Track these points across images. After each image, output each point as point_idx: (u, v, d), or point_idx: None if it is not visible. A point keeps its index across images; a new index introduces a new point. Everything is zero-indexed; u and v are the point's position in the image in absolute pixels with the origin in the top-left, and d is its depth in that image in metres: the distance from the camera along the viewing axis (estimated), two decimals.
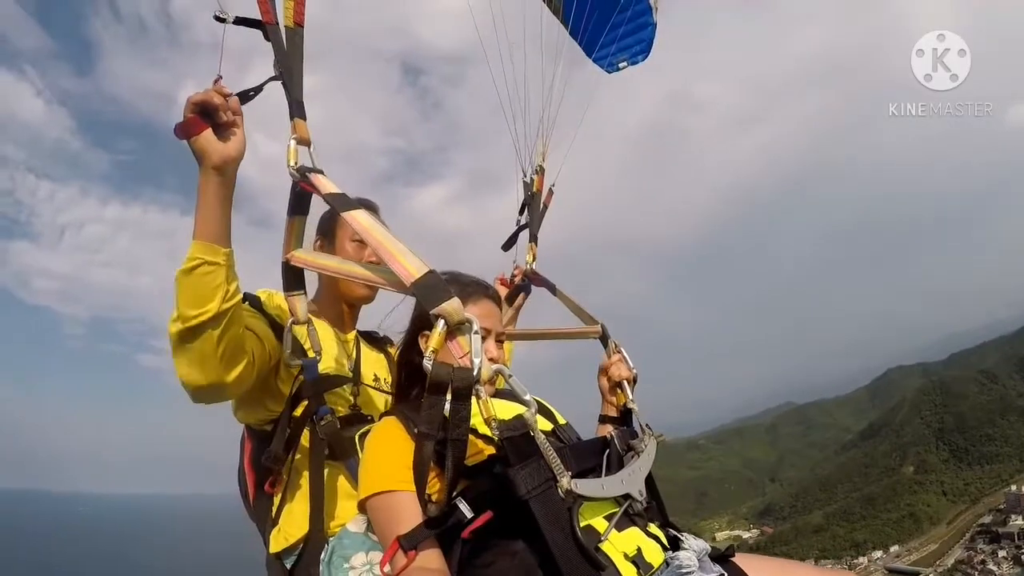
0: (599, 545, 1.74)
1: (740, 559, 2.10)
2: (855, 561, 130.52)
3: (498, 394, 2.19)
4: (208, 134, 1.91)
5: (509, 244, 3.63)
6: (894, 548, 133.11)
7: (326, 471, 2.44)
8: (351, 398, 2.63)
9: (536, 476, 1.69)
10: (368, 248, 2.77)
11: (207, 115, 1.92)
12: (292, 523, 2.45)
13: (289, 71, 2.04)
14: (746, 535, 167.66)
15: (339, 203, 1.88)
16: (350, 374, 2.69)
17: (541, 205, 3.73)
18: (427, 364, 1.57)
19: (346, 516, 2.29)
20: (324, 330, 2.70)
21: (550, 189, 3.79)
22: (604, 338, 3.02)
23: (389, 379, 2.84)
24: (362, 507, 1.93)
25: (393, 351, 2.99)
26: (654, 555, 1.86)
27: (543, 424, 2.04)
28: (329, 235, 2.90)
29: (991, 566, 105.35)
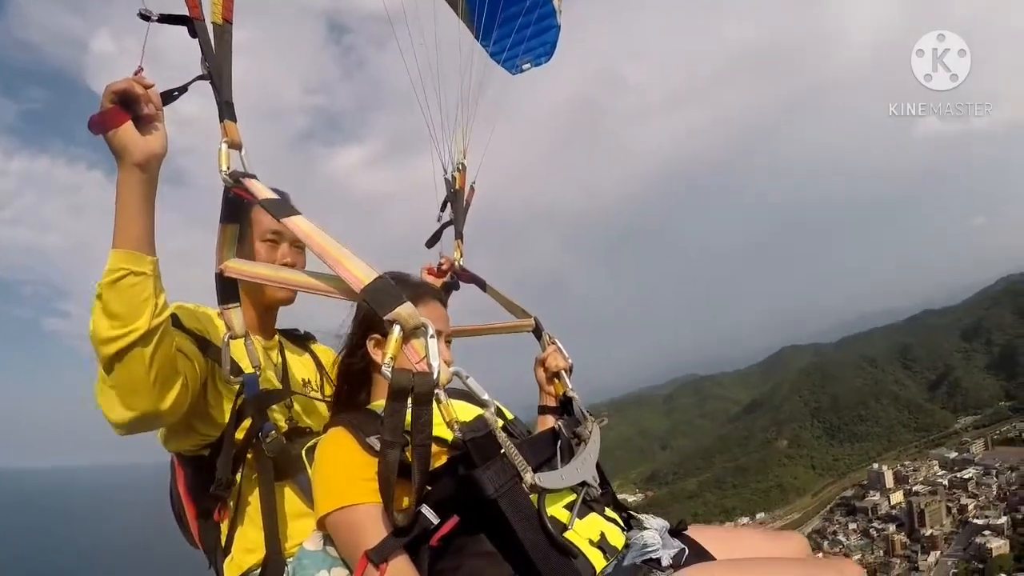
0: (565, 534, 1.78)
1: (692, 530, 2.16)
2: (722, 526, 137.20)
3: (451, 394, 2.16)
4: (129, 127, 1.76)
5: (433, 241, 3.59)
6: (760, 515, 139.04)
7: (276, 490, 2.34)
8: (286, 410, 2.52)
9: (501, 475, 1.67)
10: (280, 249, 2.62)
11: (127, 106, 1.77)
12: (246, 549, 2.34)
13: (218, 70, 1.94)
14: (632, 498, 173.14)
15: (277, 209, 1.80)
16: (280, 385, 2.57)
17: (464, 202, 3.72)
18: (386, 372, 1.54)
19: (301, 535, 2.19)
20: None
21: (471, 186, 3.79)
22: (538, 330, 3.09)
23: (316, 381, 2.80)
24: (321, 524, 1.87)
25: (317, 349, 2.98)
26: (616, 538, 1.93)
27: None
28: (240, 239, 2.57)
29: (840, 536, 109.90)
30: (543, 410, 2.84)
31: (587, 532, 1.86)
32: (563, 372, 2.80)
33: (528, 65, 4.42)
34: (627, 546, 1.93)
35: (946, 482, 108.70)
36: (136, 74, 1.80)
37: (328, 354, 2.88)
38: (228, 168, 1.87)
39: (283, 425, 2.42)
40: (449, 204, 3.66)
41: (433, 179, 3.65)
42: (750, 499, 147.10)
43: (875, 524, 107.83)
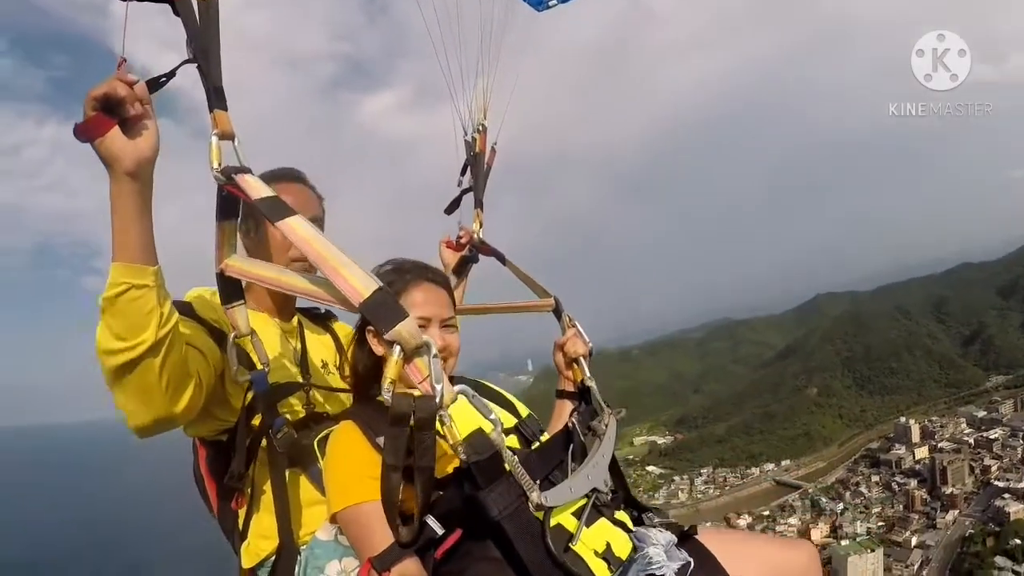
0: (571, 545, 1.77)
1: (703, 535, 2.17)
2: (748, 470, 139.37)
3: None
4: (116, 134, 1.66)
5: (452, 208, 3.45)
6: (785, 462, 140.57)
7: (288, 479, 2.37)
8: (304, 395, 2.54)
9: (507, 495, 1.65)
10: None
11: (112, 110, 1.65)
12: (261, 535, 2.39)
13: (204, 52, 1.75)
14: (660, 441, 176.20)
15: (271, 211, 1.67)
16: (298, 373, 2.57)
17: (485, 166, 3.50)
18: (386, 397, 1.50)
19: (314, 523, 2.26)
20: (264, 325, 2.53)
21: (493, 148, 3.56)
22: (558, 312, 2.98)
23: (334, 362, 2.74)
24: (333, 520, 1.90)
25: (337, 327, 2.99)
26: (622, 547, 1.93)
27: (510, 442, 2.01)
28: (255, 220, 2.62)
29: (862, 488, 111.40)
30: (561, 394, 2.78)
31: (593, 542, 1.85)
32: (582, 358, 2.74)
33: (555, 2, 4.14)
34: (632, 558, 1.92)
35: (972, 441, 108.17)
36: (119, 67, 1.68)
37: (348, 331, 2.83)
38: (220, 164, 1.75)
39: (300, 411, 2.46)
40: (469, 168, 3.48)
41: (454, 139, 3.47)
42: (777, 446, 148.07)
43: (897, 478, 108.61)
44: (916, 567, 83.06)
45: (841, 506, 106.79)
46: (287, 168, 2.70)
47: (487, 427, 1.64)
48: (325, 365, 2.71)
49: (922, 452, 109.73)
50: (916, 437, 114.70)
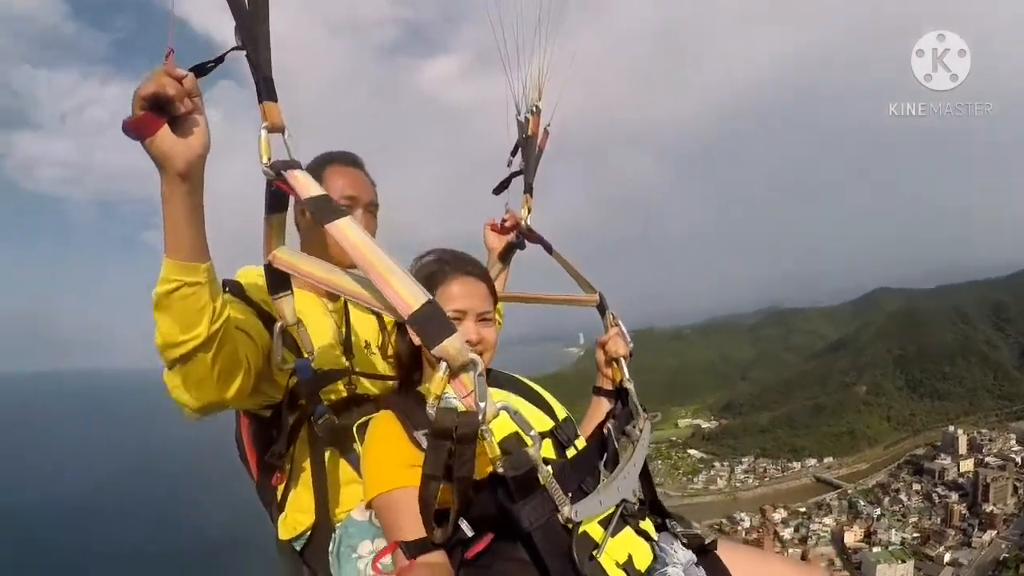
0: (595, 555, 1.81)
1: (721, 549, 2.23)
2: (789, 464, 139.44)
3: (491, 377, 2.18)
4: (166, 133, 1.60)
5: (500, 188, 3.40)
6: (828, 459, 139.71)
7: (327, 458, 2.42)
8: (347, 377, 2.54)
9: (539, 509, 1.70)
10: (353, 216, 2.25)
11: (161, 108, 1.58)
12: (299, 510, 2.45)
13: (253, 40, 1.66)
14: (705, 425, 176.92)
15: (321, 211, 1.62)
16: (342, 355, 2.55)
17: (537, 149, 3.38)
18: (430, 412, 1.51)
19: (351, 501, 2.33)
20: (310, 305, 2.55)
21: (546, 130, 3.43)
22: (602, 308, 2.93)
23: (378, 342, 2.75)
24: (368, 505, 1.95)
25: None
26: (643, 559, 1.97)
27: (546, 448, 1.97)
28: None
29: (902, 495, 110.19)
30: (598, 391, 2.75)
31: (616, 553, 1.88)
32: (622, 359, 2.71)
33: None
34: (650, 570, 1.96)
35: (1019, 459, 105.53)
36: (167, 58, 1.59)
37: None
38: (269, 159, 1.68)
39: (343, 392, 2.49)
40: (520, 150, 3.38)
41: (506, 119, 3.38)
42: (821, 441, 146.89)
43: (939, 489, 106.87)
44: None
45: (878, 511, 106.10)
46: (344, 151, 2.74)
47: (527, 442, 1.66)
48: (368, 346, 2.73)
49: (967, 465, 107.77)
50: (963, 449, 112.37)
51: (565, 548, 1.73)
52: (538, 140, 3.37)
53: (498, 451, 1.59)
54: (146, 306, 1.78)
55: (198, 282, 1.75)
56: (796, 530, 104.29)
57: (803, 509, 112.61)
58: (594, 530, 1.87)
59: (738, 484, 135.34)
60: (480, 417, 1.49)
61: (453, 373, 1.48)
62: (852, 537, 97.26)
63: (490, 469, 1.72)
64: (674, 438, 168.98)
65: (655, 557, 2.01)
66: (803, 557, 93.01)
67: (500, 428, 1.67)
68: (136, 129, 1.58)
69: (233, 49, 1.69)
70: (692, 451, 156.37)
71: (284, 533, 2.47)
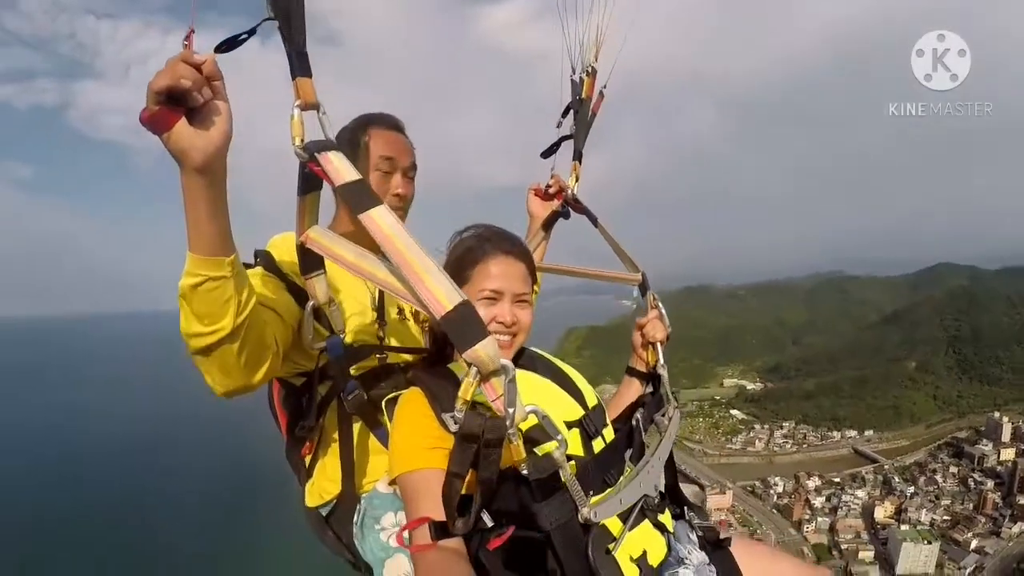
0: (611, 549, 1.79)
1: (735, 546, 2.22)
2: (829, 433, 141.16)
3: (523, 361, 2.15)
4: (183, 127, 1.50)
5: (549, 152, 3.22)
6: (868, 432, 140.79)
7: (356, 429, 2.42)
8: (378, 342, 2.49)
9: (560, 509, 1.68)
10: (393, 179, 2.54)
11: (177, 101, 1.48)
12: (325, 478, 2.47)
13: (285, 11, 1.56)
14: (750, 386, 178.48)
15: (356, 198, 1.55)
16: (375, 322, 2.48)
17: (590, 114, 3.19)
18: (458, 415, 1.47)
19: (378, 472, 2.35)
20: (343, 271, 2.17)
21: (601, 92, 3.22)
22: (644, 288, 2.84)
23: (410, 308, 2.65)
24: (392, 482, 1.97)
25: None
26: (657, 554, 1.95)
27: (575, 445, 1.94)
28: (354, 149, 2.50)
29: (938, 476, 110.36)
30: (631, 372, 2.71)
31: (631, 548, 1.87)
32: (659, 344, 2.63)
33: None
34: (663, 566, 1.95)
35: None
36: (187, 39, 1.50)
37: None
38: (302, 140, 1.59)
39: (374, 362, 2.44)
40: (573, 113, 3.17)
41: (560, 77, 3.16)
42: (864, 414, 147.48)
43: (975, 475, 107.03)
44: (968, 572, 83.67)
45: (912, 490, 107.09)
46: (384, 113, 2.65)
47: (550, 447, 1.62)
48: (401, 311, 2.64)
49: (1008, 454, 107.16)
50: (1006, 436, 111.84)
51: (583, 546, 1.73)
52: (592, 104, 3.23)
53: (524, 455, 1.57)
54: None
55: (223, 276, 1.71)
56: (828, 499, 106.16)
57: (837, 479, 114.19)
58: (613, 524, 1.85)
59: (776, 448, 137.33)
60: (508, 423, 1.46)
61: (484, 378, 1.43)
62: (882, 513, 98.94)
63: (509, 462, 1.66)
64: (718, 396, 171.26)
65: (669, 548, 2.03)
66: (831, 528, 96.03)
67: (530, 418, 1.57)
68: (152, 125, 1.49)
69: (265, 20, 1.59)
70: (734, 411, 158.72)
71: (311, 500, 2.52)
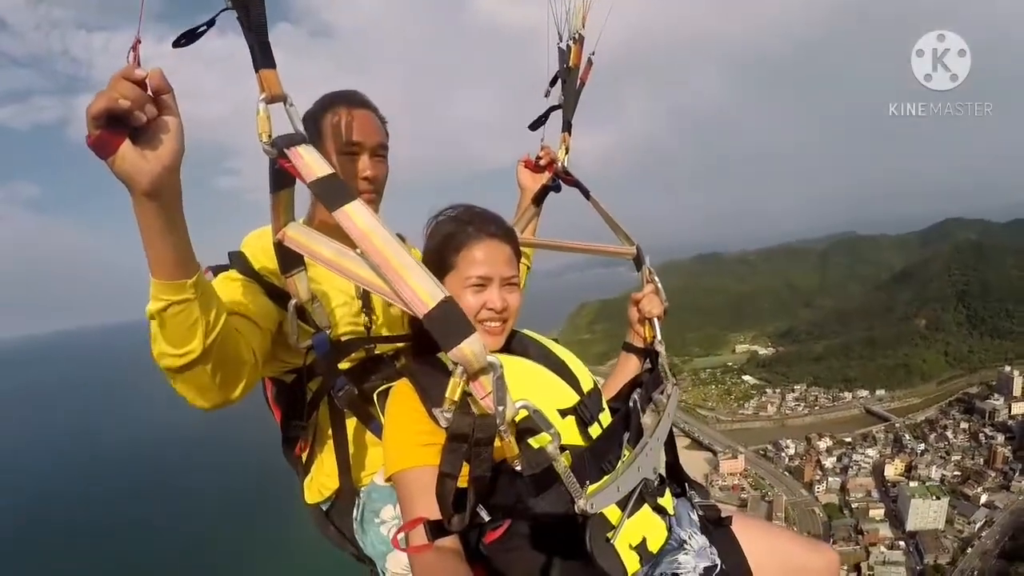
0: (608, 537, 1.78)
1: (734, 524, 2.23)
2: (840, 394, 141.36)
3: (511, 347, 2.07)
4: (127, 150, 1.40)
5: (537, 124, 3.13)
6: (880, 392, 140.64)
7: (349, 423, 2.39)
8: (366, 331, 2.44)
9: (556, 503, 1.64)
10: (360, 160, 2.37)
11: (119, 122, 1.37)
12: (323, 474, 2.44)
13: (243, 0, 1.45)
14: (762, 351, 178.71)
15: (328, 194, 1.46)
16: (360, 311, 2.43)
17: (578, 82, 3.07)
18: (446, 415, 1.43)
19: (375, 464, 2.35)
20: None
21: (589, 59, 3.09)
22: (638, 261, 2.75)
23: None
24: (390, 480, 1.88)
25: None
26: (656, 539, 1.92)
27: (570, 434, 1.88)
28: (317, 133, 2.35)
29: (949, 432, 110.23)
30: (628, 348, 2.64)
31: (631, 535, 1.85)
32: (656, 319, 2.55)
33: None
34: (662, 552, 1.94)
35: None
36: (132, 51, 1.41)
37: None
38: (270, 135, 1.49)
39: (361, 353, 2.41)
40: (561, 82, 3.06)
41: (544, 49, 3.03)
42: (874, 373, 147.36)
43: (986, 430, 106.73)
44: (978, 526, 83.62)
45: (922, 447, 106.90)
46: (348, 91, 2.47)
47: (544, 440, 1.54)
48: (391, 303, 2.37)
49: (1020, 407, 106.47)
50: (1017, 390, 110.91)
51: (581, 537, 1.72)
52: (580, 72, 3.11)
53: (516, 450, 1.52)
54: (210, 253, 1.66)
55: (186, 299, 1.63)
56: (839, 460, 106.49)
57: (848, 440, 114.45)
58: (611, 511, 1.83)
59: (788, 411, 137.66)
60: (497, 420, 1.41)
61: (471, 376, 1.38)
62: (892, 471, 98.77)
63: (502, 456, 1.61)
64: (730, 363, 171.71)
65: (669, 531, 2.01)
66: (842, 487, 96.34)
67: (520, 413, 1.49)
68: (95, 149, 1.39)
69: (223, 11, 1.52)
70: (746, 377, 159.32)
71: (310, 497, 2.50)
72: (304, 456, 2.51)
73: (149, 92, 1.41)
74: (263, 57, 1.51)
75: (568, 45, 3.05)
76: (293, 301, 2.05)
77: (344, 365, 2.34)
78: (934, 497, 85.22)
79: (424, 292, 1.37)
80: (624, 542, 1.83)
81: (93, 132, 1.37)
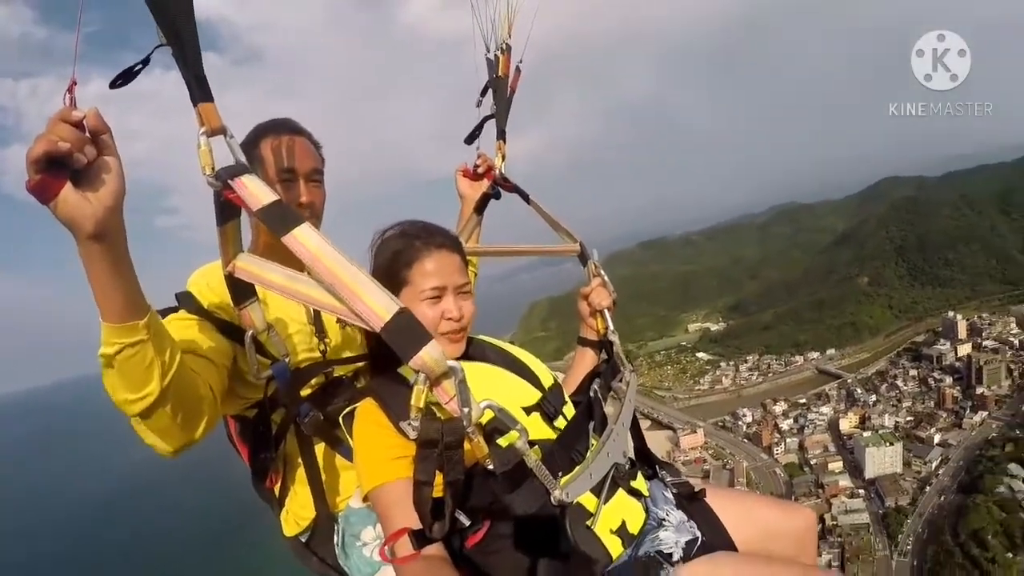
0: (588, 524, 1.82)
1: (709, 496, 2.29)
2: (792, 358, 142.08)
3: (469, 355, 2.10)
4: (68, 193, 1.36)
5: (472, 137, 3.14)
6: (830, 351, 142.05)
7: (319, 450, 2.37)
8: (321, 356, 2.40)
9: (532, 497, 1.65)
10: (296, 187, 2.37)
11: (59, 165, 1.34)
12: (299, 505, 2.41)
13: (177, 35, 1.45)
14: (714, 327, 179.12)
15: (276, 221, 1.47)
16: (313, 333, 2.39)
17: (508, 91, 3.12)
18: (413, 424, 1.50)
19: (348, 489, 2.33)
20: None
21: (517, 67, 3.16)
22: (583, 258, 2.78)
23: None
24: (365, 499, 1.90)
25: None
26: (635, 521, 1.98)
27: (537, 429, 1.91)
28: (252, 164, 2.05)
29: (899, 381, 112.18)
30: (582, 342, 2.67)
31: (610, 520, 1.89)
32: (606, 311, 2.58)
33: None
34: (643, 532, 1.99)
35: (1017, 343, 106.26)
36: (69, 92, 1.38)
37: None
38: (213, 168, 1.47)
39: (321, 379, 2.37)
40: (491, 92, 3.11)
41: (474, 57, 3.04)
42: (823, 335, 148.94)
43: (935, 374, 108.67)
44: (935, 465, 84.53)
45: (874, 398, 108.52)
46: (279, 119, 2.52)
47: (512, 437, 1.56)
48: (343, 323, 2.53)
49: (965, 349, 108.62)
50: (962, 333, 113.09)
51: (561, 527, 1.71)
52: (509, 80, 3.15)
53: (486, 450, 1.56)
54: (156, 294, 1.72)
55: (140, 340, 1.60)
56: (795, 421, 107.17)
57: (803, 400, 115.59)
58: (587, 500, 1.85)
59: (743, 382, 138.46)
60: (464, 423, 1.44)
61: (434, 383, 1.41)
62: (847, 424, 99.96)
63: (475, 458, 1.66)
64: (684, 343, 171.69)
65: (647, 512, 2.06)
66: (800, 446, 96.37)
67: (486, 413, 1.56)
68: (36, 194, 1.37)
69: (158, 47, 1.51)
70: (700, 354, 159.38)
71: (288, 529, 2.47)
72: (277, 489, 2.47)
73: (87, 133, 1.38)
74: (200, 91, 1.49)
75: (496, 55, 3.11)
76: (250, 332, 2.02)
77: (305, 392, 2.34)
78: (887, 444, 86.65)
79: (378, 306, 1.39)
80: (604, 527, 1.87)
81: (34, 177, 1.34)
